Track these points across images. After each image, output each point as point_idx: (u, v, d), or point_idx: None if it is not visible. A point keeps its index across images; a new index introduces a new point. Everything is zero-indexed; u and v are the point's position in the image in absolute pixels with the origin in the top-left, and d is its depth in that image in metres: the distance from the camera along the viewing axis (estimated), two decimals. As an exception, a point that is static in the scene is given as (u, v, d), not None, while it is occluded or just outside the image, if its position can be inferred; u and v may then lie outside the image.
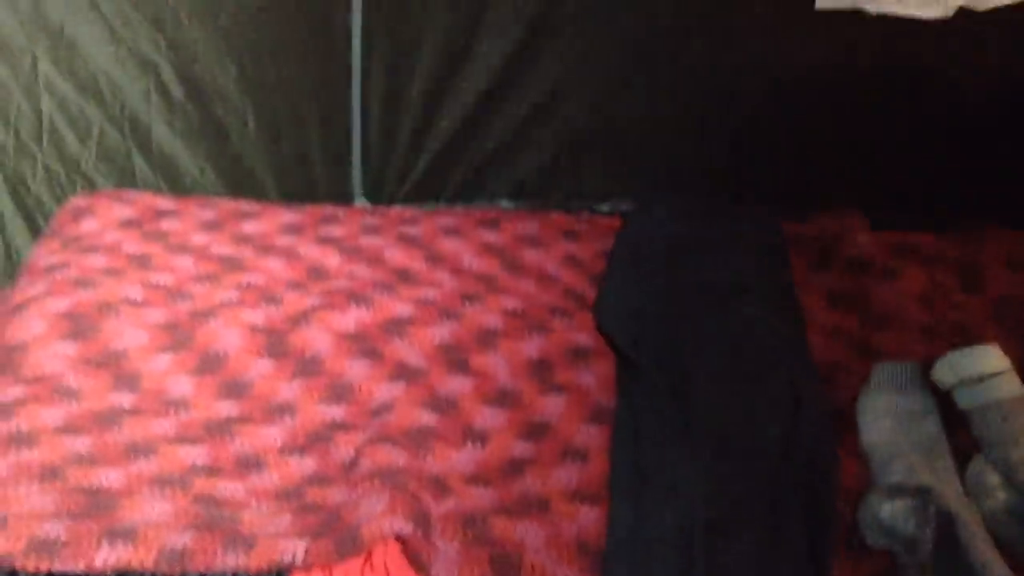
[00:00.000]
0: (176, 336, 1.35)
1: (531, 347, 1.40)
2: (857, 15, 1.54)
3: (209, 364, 1.33)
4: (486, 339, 1.40)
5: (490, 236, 1.62)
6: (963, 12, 1.51)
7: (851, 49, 1.63)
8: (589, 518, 1.17)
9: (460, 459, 1.24)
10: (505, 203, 1.86)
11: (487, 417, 1.30)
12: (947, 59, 1.66)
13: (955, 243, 1.58)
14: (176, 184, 1.74)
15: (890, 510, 1.10)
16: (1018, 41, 1.62)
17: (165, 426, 1.24)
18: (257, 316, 1.38)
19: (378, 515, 1.07)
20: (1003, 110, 1.71)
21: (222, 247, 1.53)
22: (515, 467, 1.25)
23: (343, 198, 1.84)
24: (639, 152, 1.82)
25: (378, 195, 1.86)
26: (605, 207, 1.81)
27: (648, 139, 1.80)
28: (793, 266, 1.52)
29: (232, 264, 1.49)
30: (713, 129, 1.77)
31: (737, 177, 1.80)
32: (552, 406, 1.32)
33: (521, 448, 1.27)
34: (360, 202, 1.86)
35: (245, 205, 1.64)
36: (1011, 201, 1.72)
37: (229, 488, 1.17)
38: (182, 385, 1.30)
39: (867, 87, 1.70)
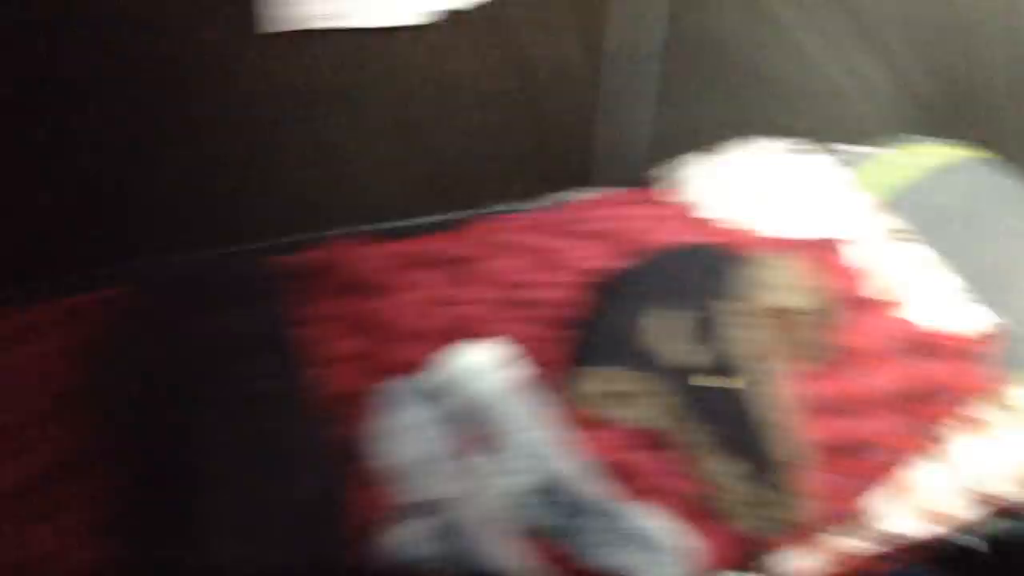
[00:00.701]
0: None
1: (8, 474, 1.17)
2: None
3: None
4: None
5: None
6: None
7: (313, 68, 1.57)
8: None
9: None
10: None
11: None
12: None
13: (450, 242, 1.59)
14: None
15: (406, 532, 1.07)
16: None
17: None
18: None
19: None
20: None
21: None
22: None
23: None
24: (142, 214, 1.63)
25: None
26: (105, 279, 1.59)
27: (150, 199, 1.61)
28: (307, 301, 1.44)
29: None
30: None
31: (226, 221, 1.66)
32: (40, 540, 1.11)
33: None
34: None
35: None
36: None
37: None
38: None
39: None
